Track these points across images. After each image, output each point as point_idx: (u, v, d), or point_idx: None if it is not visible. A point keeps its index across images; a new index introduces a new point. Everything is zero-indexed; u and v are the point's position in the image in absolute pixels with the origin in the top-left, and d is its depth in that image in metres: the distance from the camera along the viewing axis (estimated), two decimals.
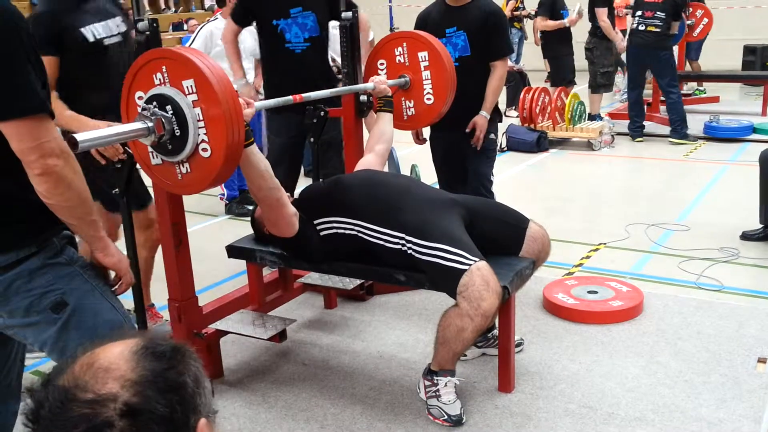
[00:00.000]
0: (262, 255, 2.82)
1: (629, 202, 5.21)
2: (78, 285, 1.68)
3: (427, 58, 3.26)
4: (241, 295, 3.06)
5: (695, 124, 7.15)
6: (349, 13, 3.30)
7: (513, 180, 6.00)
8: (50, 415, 0.77)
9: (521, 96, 7.20)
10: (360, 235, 2.53)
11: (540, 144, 6.89)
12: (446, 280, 2.36)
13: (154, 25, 2.40)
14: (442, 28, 3.55)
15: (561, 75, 7.67)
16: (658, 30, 6.67)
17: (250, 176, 2.37)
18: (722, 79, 9.13)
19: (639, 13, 6.76)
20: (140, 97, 2.06)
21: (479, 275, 2.30)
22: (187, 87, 1.97)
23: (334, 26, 3.67)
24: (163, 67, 2.00)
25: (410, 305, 3.44)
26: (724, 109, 8.03)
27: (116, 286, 1.80)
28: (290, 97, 2.71)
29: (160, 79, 2.01)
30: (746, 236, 4.17)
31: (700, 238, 4.25)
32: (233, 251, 2.94)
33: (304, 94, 2.80)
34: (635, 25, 6.79)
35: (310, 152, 3.52)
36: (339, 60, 3.56)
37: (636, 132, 7.15)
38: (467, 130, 3.55)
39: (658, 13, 6.64)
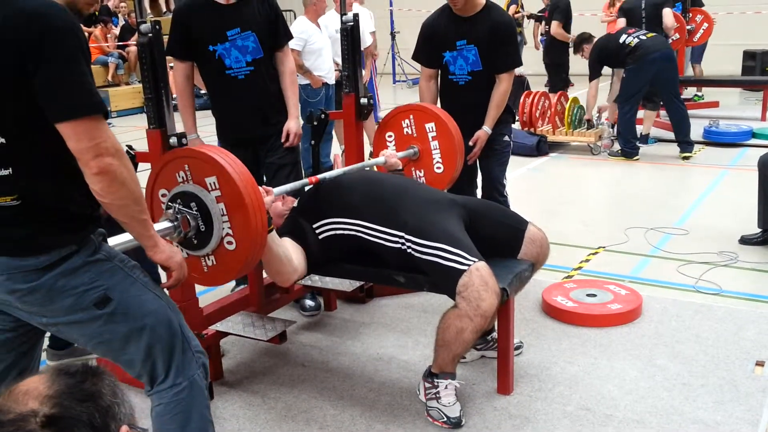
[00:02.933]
0: None
1: (628, 206, 5.22)
2: (120, 279, 1.72)
3: (434, 128, 3.28)
4: (241, 297, 3.07)
5: (695, 128, 7.16)
6: (350, 15, 3.31)
7: (513, 183, 5.96)
8: None
9: (521, 100, 7.22)
10: (360, 234, 2.54)
11: (540, 148, 6.91)
12: (445, 280, 2.37)
13: (157, 27, 2.41)
14: (452, 41, 3.48)
15: (557, 79, 7.74)
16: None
17: (271, 262, 2.37)
18: (722, 84, 9.14)
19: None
20: (164, 195, 2.13)
21: (478, 275, 2.31)
22: (210, 184, 2.03)
23: (336, 29, 3.64)
24: (186, 166, 2.07)
25: (410, 308, 3.45)
26: (724, 114, 8.06)
27: (168, 281, 1.82)
28: (306, 180, 2.74)
29: (182, 177, 2.08)
30: (745, 240, 4.19)
31: (699, 242, 4.26)
32: None
33: (319, 175, 2.80)
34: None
35: (309, 153, 3.53)
36: (340, 63, 3.56)
37: (635, 150, 6.57)
38: (470, 143, 3.48)
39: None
